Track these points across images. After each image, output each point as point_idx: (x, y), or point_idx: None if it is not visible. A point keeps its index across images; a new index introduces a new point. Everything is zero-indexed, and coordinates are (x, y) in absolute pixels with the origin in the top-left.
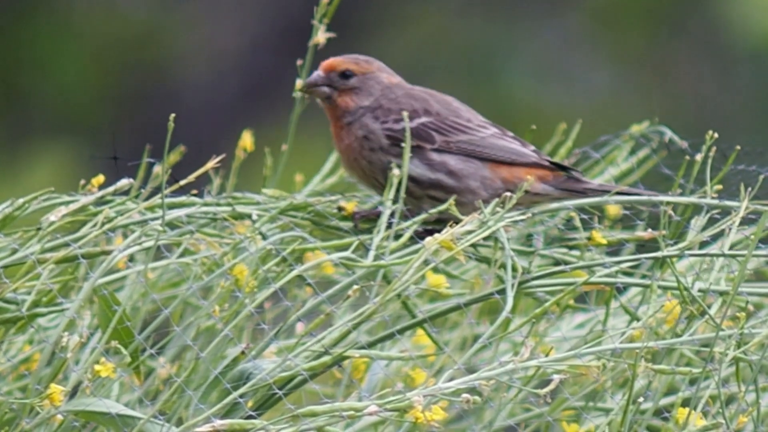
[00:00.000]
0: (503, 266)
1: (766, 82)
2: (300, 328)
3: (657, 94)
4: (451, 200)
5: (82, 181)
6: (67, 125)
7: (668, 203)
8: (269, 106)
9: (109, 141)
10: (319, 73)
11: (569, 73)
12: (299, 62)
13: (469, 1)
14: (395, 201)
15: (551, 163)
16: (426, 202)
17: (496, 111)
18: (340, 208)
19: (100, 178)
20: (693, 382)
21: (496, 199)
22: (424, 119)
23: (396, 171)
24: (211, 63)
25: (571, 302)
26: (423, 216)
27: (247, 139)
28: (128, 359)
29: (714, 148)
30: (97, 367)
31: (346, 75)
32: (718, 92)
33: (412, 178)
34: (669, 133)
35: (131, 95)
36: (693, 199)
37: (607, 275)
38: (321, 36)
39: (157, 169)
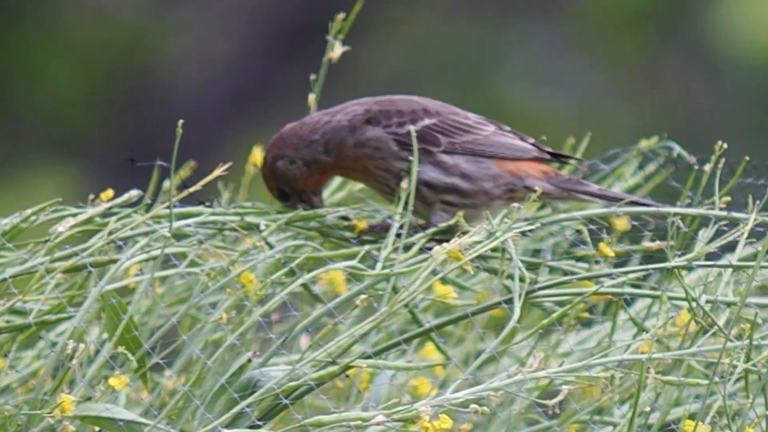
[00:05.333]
0: (510, 276)
1: (754, 91)
2: (306, 340)
3: (647, 100)
4: (460, 214)
5: (91, 196)
6: (57, 131)
7: (676, 215)
8: (259, 112)
9: (99, 146)
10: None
11: (559, 78)
12: (312, 77)
13: (459, 5)
14: (404, 214)
15: (551, 154)
16: (439, 208)
17: (485, 115)
18: (346, 218)
19: (109, 193)
20: (700, 395)
21: (504, 210)
22: (427, 121)
23: (404, 184)
24: (200, 68)
25: (583, 314)
26: (433, 230)
27: (258, 155)
28: (134, 365)
29: (723, 160)
30: (111, 381)
31: (284, 195)
32: (707, 100)
33: (426, 183)
34: (677, 148)
35: (121, 100)
36: (701, 210)
37: (614, 286)
38: (336, 51)
39: (166, 184)
